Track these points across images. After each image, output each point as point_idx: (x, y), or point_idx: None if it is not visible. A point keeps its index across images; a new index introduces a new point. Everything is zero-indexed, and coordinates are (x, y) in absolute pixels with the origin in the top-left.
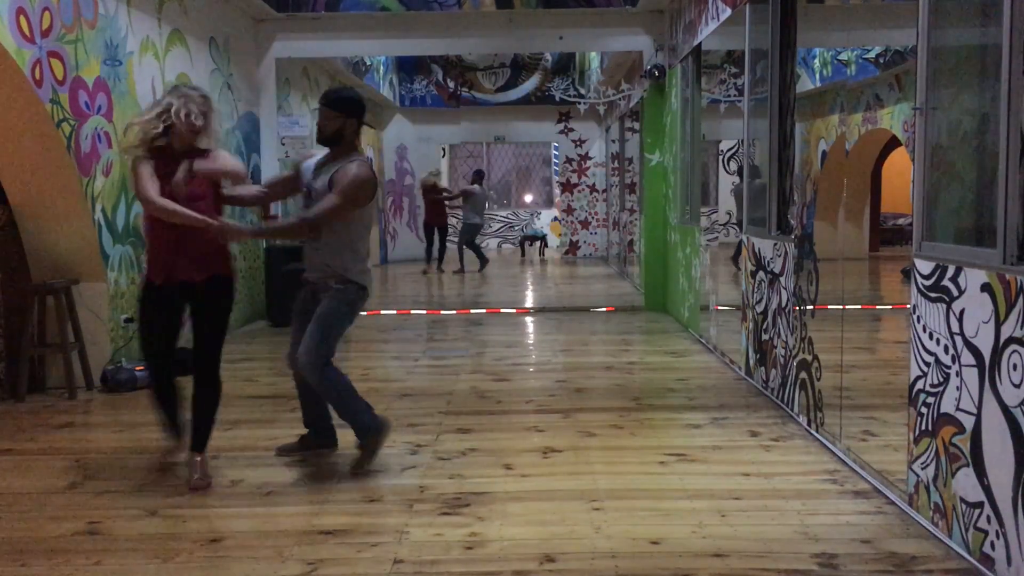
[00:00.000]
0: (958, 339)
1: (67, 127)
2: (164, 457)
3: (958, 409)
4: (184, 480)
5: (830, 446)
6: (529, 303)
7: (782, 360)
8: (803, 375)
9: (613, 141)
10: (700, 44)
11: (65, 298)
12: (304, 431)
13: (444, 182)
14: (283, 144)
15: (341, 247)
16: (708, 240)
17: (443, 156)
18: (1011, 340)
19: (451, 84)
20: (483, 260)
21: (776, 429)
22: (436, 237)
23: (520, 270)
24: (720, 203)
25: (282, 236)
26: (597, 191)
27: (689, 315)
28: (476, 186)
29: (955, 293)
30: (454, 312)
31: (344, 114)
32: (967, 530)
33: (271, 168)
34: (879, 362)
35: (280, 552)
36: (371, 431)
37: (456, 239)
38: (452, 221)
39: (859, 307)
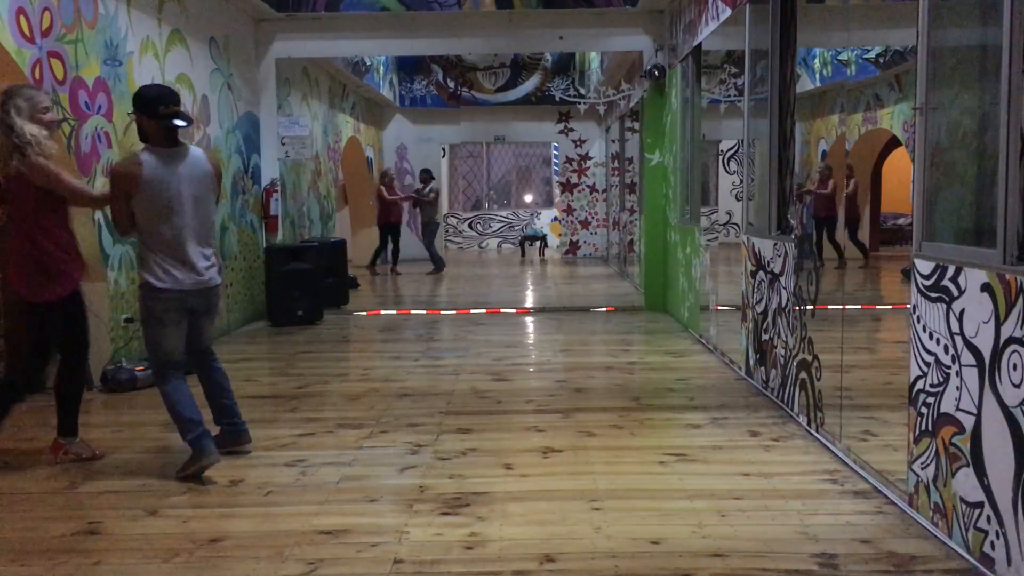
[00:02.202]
0: (958, 339)
1: (67, 127)
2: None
3: (958, 409)
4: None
5: (830, 446)
6: (529, 303)
7: (782, 360)
8: (803, 375)
9: (613, 141)
10: (700, 44)
11: None
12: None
13: (444, 182)
14: (283, 144)
15: (139, 246)
16: (708, 240)
17: (443, 156)
18: (1011, 340)
19: (451, 84)
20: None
21: (776, 429)
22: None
23: (520, 270)
24: (720, 203)
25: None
26: (597, 191)
27: (689, 315)
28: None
29: (955, 293)
30: (454, 312)
31: (135, 111)
32: (967, 530)
33: (271, 168)
34: (879, 362)
35: (280, 552)
36: (192, 448)
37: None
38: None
39: (859, 307)
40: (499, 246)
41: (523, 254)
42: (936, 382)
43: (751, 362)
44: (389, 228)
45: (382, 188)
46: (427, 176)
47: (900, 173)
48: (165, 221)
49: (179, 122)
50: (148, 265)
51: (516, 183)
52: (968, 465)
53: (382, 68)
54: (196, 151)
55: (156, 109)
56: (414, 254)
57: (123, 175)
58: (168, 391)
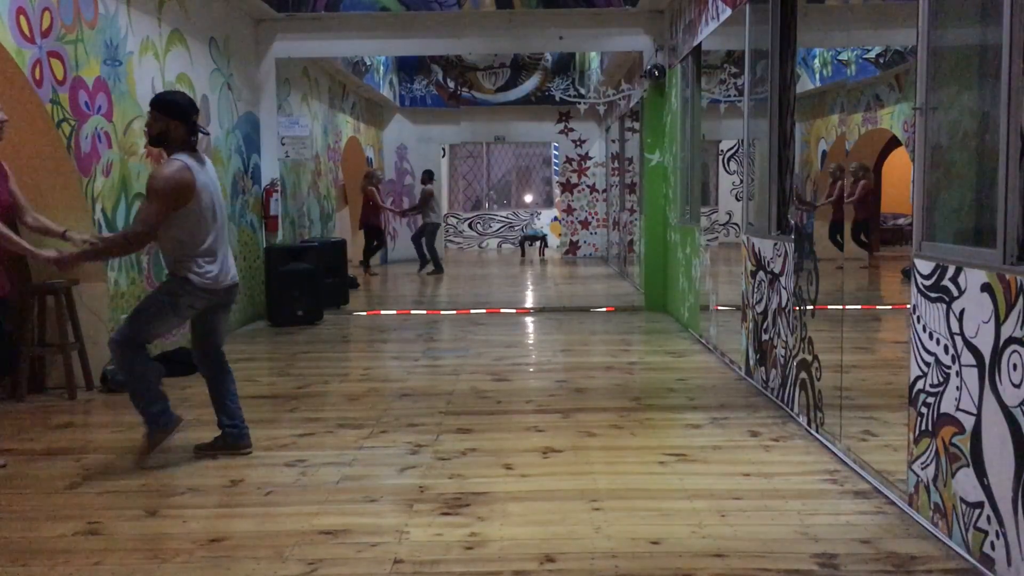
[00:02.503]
0: (958, 339)
1: (67, 127)
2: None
3: (958, 409)
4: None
5: (830, 446)
6: (529, 303)
7: (782, 360)
8: (803, 375)
9: (613, 141)
10: (700, 44)
11: (65, 298)
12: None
13: (444, 182)
14: (283, 144)
15: (169, 243)
16: (708, 240)
17: (443, 156)
18: (1011, 340)
19: (451, 84)
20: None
21: (776, 429)
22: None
23: (520, 270)
24: (720, 203)
25: (116, 253)
26: (597, 191)
27: (689, 315)
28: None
29: (955, 293)
30: (454, 312)
31: (167, 116)
32: (967, 530)
33: (271, 168)
34: (879, 362)
35: (280, 552)
36: (156, 425)
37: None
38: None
39: (859, 307)
40: (499, 246)
41: (523, 254)
42: (936, 382)
43: (751, 362)
44: (375, 230)
45: (373, 191)
46: (426, 177)
47: (900, 173)
48: (209, 223)
49: (203, 131)
50: (189, 265)
51: (516, 183)
52: (968, 465)
53: (382, 68)
54: (205, 156)
55: (191, 116)
56: (414, 254)
57: (184, 184)
58: (140, 361)
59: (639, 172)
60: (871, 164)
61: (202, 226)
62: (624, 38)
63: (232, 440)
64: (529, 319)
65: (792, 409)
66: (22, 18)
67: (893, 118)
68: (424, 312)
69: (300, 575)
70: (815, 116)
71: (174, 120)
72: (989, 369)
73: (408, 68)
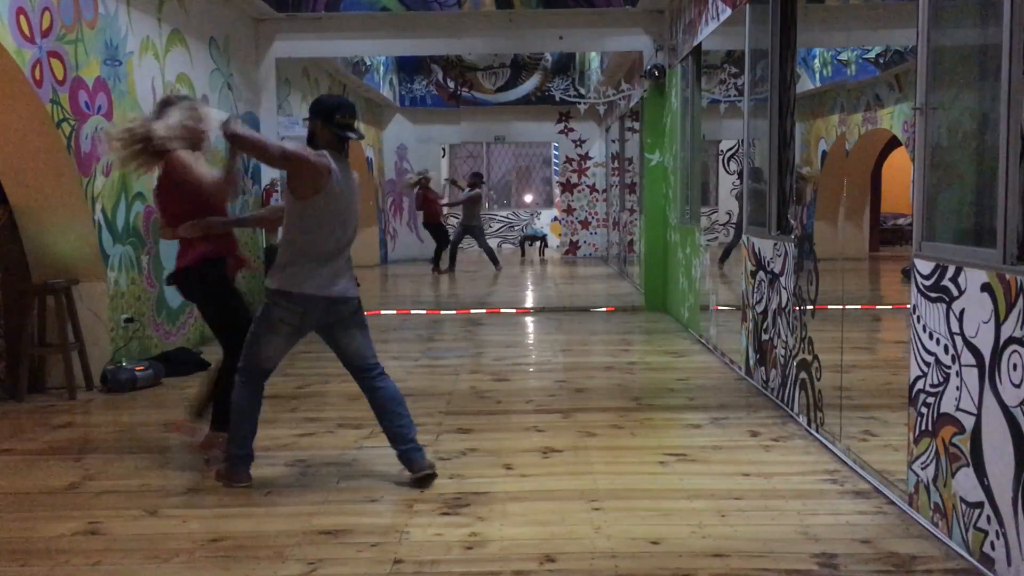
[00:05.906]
0: (958, 339)
1: (67, 127)
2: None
3: (958, 409)
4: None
5: (830, 446)
6: (529, 303)
7: (782, 360)
8: (803, 375)
9: (613, 141)
10: (700, 44)
11: (65, 298)
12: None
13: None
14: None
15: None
16: (708, 240)
17: (443, 156)
18: (1011, 340)
19: (451, 84)
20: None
21: (776, 429)
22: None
23: (520, 270)
24: (720, 203)
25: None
26: (597, 191)
27: (689, 315)
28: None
29: (955, 293)
30: (454, 312)
31: (312, 116)
32: (967, 530)
33: (271, 169)
34: (879, 362)
35: (280, 552)
36: (234, 468)
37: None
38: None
39: (859, 307)
40: (499, 246)
41: (523, 254)
42: (936, 382)
43: (751, 362)
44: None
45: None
46: (476, 180)
47: (900, 173)
48: (329, 230)
49: (351, 135)
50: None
51: (516, 183)
52: (968, 465)
53: (382, 68)
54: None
55: (334, 117)
56: (413, 254)
57: (323, 168)
58: (236, 397)
59: (639, 172)
60: (871, 164)
61: (323, 229)
62: (624, 38)
63: (407, 465)
64: (529, 319)
65: (792, 409)
66: (22, 18)
67: (893, 118)
68: (424, 312)
69: (300, 575)
70: (815, 116)
71: (316, 119)
72: (989, 369)
73: (408, 68)
